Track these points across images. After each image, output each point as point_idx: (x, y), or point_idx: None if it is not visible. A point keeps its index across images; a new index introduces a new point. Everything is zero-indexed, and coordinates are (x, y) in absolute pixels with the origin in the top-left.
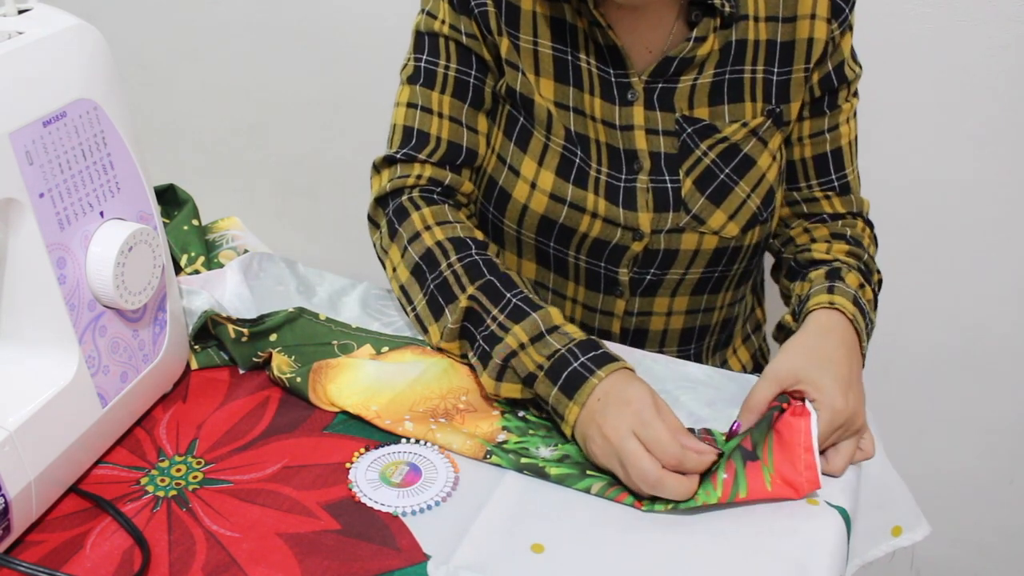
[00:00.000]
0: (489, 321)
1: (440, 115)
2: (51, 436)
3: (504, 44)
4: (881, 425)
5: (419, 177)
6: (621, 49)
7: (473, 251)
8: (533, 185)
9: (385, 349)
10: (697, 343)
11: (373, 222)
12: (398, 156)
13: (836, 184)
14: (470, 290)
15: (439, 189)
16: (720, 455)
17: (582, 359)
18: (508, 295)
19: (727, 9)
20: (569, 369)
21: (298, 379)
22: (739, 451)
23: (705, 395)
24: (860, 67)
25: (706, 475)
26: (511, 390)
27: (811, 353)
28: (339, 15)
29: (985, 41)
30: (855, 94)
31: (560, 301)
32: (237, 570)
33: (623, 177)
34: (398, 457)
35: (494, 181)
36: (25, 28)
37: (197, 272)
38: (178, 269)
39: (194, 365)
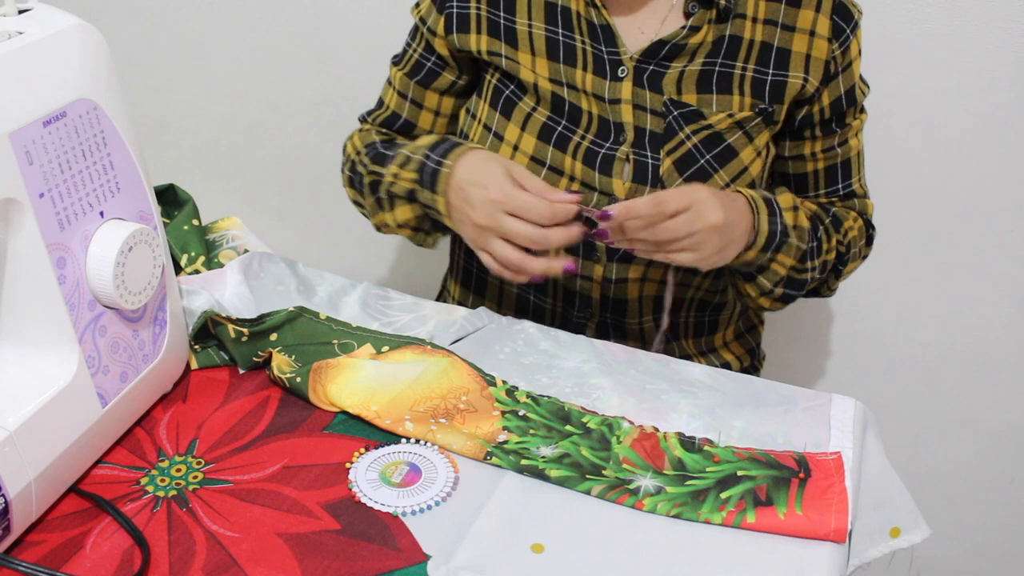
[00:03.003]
0: (381, 179)
1: (394, 88)
2: (51, 436)
3: (483, 40)
4: (881, 425)
5: (361, 130)
6: (613, 27)
7: (377, 143)
8: (515, 148)
9: (385, 349)
10: (672, 315)
11: (342, 173)
12: (359, 118)
13: (841, 192)
14: (370, 167)
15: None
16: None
17: (433, 157)
18: (389, 153)
19: (723, 2)
20: (427, 170)
21: (298, 379)
22: (751, 495)
23: (706, 401)
24: (868, 87)
25: (711, 494)
26: (403, 212)
27: (707, 185)
28: (339, 15)
29: (985, 41)
30: (862, 110)
31: None
32: (237, 570)
33: (606, 145)
34: (398, 457)
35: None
36: (25, 28)
37: (197, 272)
38: (178, 269)
39: (194, 365)
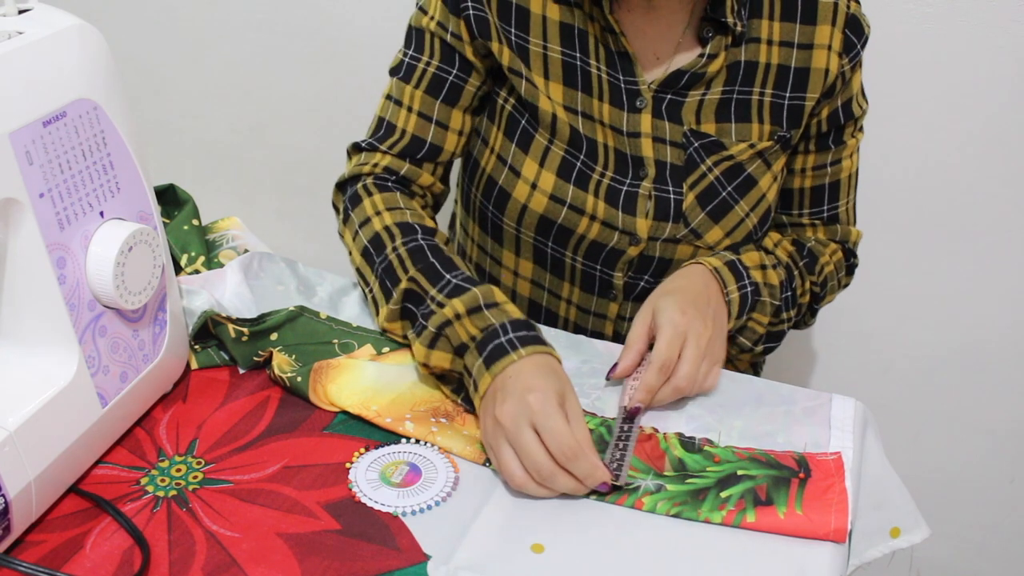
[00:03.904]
0: (428, 301)
1: (409, 109)
2: (51, 436)
3: (505, 53)
4: (881, 425)
5: (375, 166)
6: (632, 56)
7: (419, 235)
8: (534, 186)
9: (386, 350)
10: None
11: (335, 207)
12: (363, 144)
13: (825, 215)
14: (411, 272)
15: (394, 178)
16: (616, 486)
17: (511, 335)
18: (448, 276)
19: (739, 28)
20: (496, 342)
21: (298, 378)
22: (751, 494)
23: (706, 401)
24: (867, 103)
25: (711, 493)
26: (441, 359)
27: (661, 289)
28: (339, 15)
29: (985, 41)
30: (860, 129)
31: (555, 301)
32: (237, 570)
33: (627, 182)
34: (398, 457)
35: (493, 181)
36: (25, 28)
37: (197, 272)
38: (178, 269)
39: (194, 365)
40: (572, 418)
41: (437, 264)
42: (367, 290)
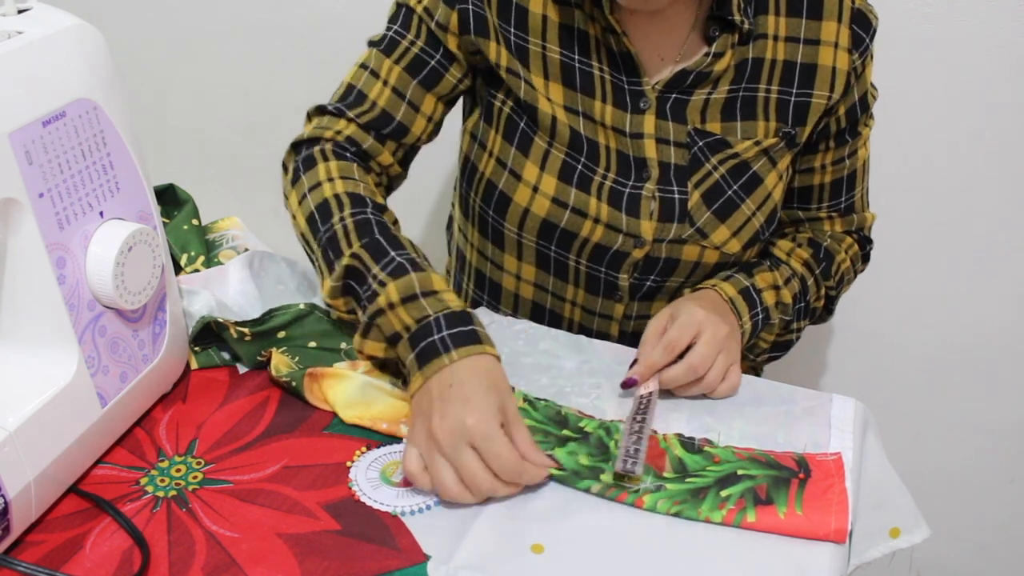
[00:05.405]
0: (370, 279)
1: (385, 82)
2: (51, 436)
3: (503, 54)
4: (881, 425)
5: (338, 133)
6: (635, 56)
7: (369, 209)
8: (535, 189)
9: None
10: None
11: (284, 166)
12: (329, 108)
13: (842, 205)
14: (355, 247)
15: (354, 149)
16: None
17: (444, 332)
18: (393, 253)
19: (746, 26)
20: (427, 341)
21: (293, 383)
22: (751, 494)
23: (707, 400)
24: (877, 91)
25: (711, 492)
26: (375, 348)
27: (681, 300)
28: (339, 15)
29: (985, 41)
30: (871, 116)
31: (559, 304)
32: (237, 570)
33: (630, 183)
34: (398, 457)
35: (494, 185)
36: (25, 28)
37: (197, 272)
38: (178, 269)
39: (194, 365)
40: (512, 425)
41: (383, 241)
42: (312, 257)
